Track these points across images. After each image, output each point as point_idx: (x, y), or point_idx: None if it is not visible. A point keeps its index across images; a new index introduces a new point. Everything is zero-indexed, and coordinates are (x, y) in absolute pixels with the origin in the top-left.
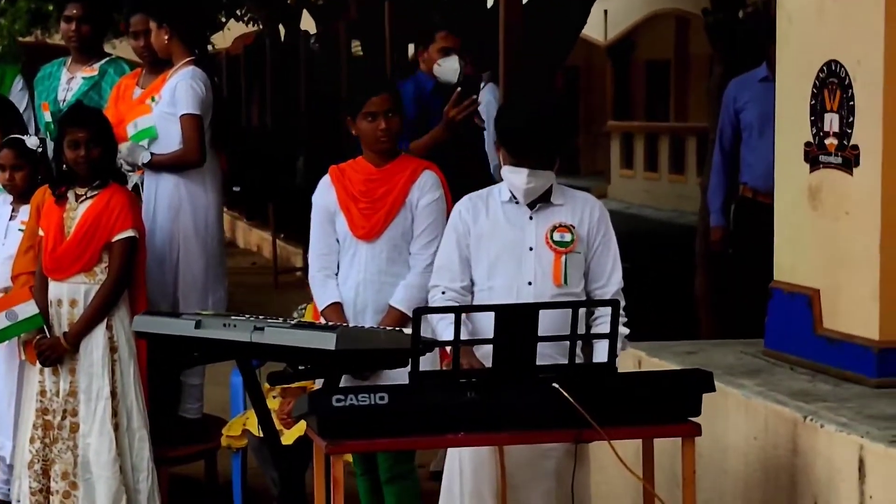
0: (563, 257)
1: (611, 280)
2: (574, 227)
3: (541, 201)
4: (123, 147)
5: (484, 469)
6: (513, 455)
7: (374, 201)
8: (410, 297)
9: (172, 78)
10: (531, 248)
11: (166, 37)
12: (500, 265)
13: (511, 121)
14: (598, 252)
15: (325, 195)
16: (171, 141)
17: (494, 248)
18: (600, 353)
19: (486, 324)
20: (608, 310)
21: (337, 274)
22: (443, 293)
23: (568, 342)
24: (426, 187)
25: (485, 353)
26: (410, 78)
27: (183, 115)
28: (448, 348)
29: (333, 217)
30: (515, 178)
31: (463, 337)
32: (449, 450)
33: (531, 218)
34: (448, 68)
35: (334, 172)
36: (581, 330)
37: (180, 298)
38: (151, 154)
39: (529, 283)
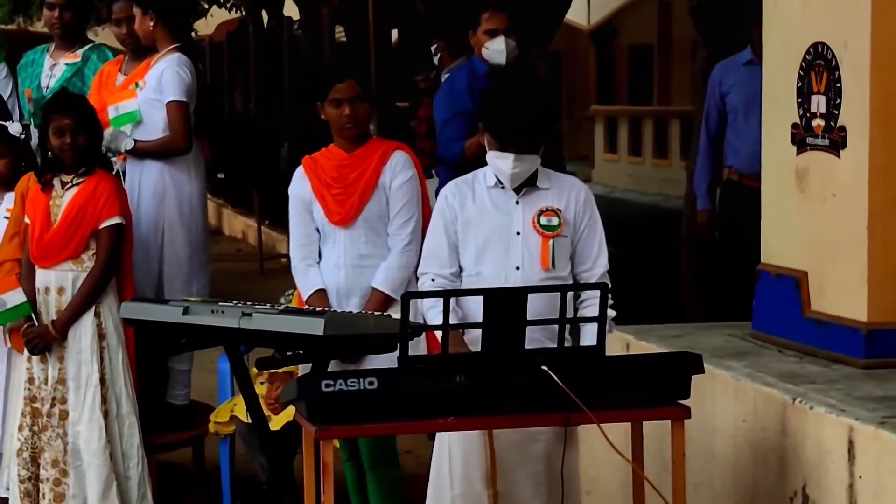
0: (551, 241)
1: (597, 263)
2: (560, 211)
3: (527, 185)
4: (106, 133)
5: (473, 452)
6: (501, 438)
7: (347, 186)
8: (392, 278)
9: (158, 64)
10: (518, 233)
11: (151, 23)
12: (488, 250)
13: (496, 106)
14: (585, 235)
15: (299, 185)
16: (155, 128)
17: (482, 234)
18: (588, 336)
19: (475, 309)
20: (595, 293)
21: (319, 262)
22: (432, 280)
23: (556, 326)
24: (398, 168)
25: (473, 339)
26: (465, 64)
27: (170, 101)
28: (436, 334)
29: (310, 206)
30: (501, 164)
31: (454, 322)
32: (438, 433)
33: (518, 203)
34: (495, 50)
35: (307, 162)
36: (569, 314)
37: (164, 285)
38: (135, 141)
39: (517, 268)
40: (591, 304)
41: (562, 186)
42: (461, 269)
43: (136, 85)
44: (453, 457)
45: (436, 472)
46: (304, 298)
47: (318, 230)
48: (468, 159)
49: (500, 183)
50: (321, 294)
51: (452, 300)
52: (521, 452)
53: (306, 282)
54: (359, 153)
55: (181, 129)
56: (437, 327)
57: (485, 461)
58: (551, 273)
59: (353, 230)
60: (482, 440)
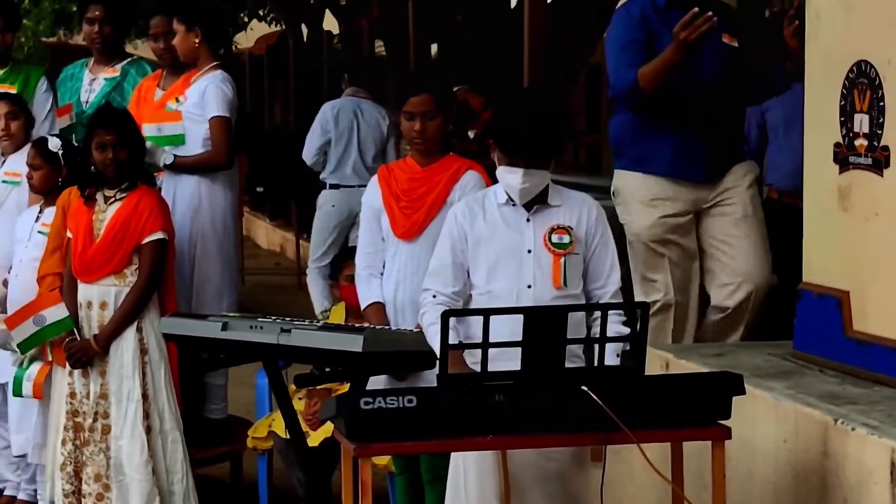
0: (563, 259)
1: (609, 280)
2: (572, 229)
3: (538, 202)
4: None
5: (487, 471)
6: (516, 458)
7: (414, 200)
8: None
9: (200, 81)
10: (529, 251)
11: (196, 40)
12: (500, 268)
13: (504, 120)
14: (597, 252)
15: (372, 194)
16: (195, 143)
17: (493, 252)
18: (611, 354)
19: (477, 329)
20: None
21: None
22: (433, 297)
23: (580, 346)
24: (468, 187)
25: (478, 360)
26: None
27: (214, 117)
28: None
29: (379, 216)
30: (511, 178)
31: (453, 341)
32: (453, 453)
33: (528, 220)
34: None
35: (382, 171)
36: (581, 331)
37: (193, 300)
38: (175, 156)
39: (529, 287)
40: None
41: (573, 203)
42: (471, 287)
43: (177, 100)
44: (468, 475)
45: (452, 490)
46: (362, 308)
47: (383, 239)
48: (642, 90)
49: (511, 200)
50: (378, 307)
51: (454, 320)
52: (535, 472)
53: (366, 292)
54: (433, 168)
55: (224, 145)
56: (476, 345)
57: (499, 480)
58: (563, 291)
59: (415, 245)
60: (496, 459)
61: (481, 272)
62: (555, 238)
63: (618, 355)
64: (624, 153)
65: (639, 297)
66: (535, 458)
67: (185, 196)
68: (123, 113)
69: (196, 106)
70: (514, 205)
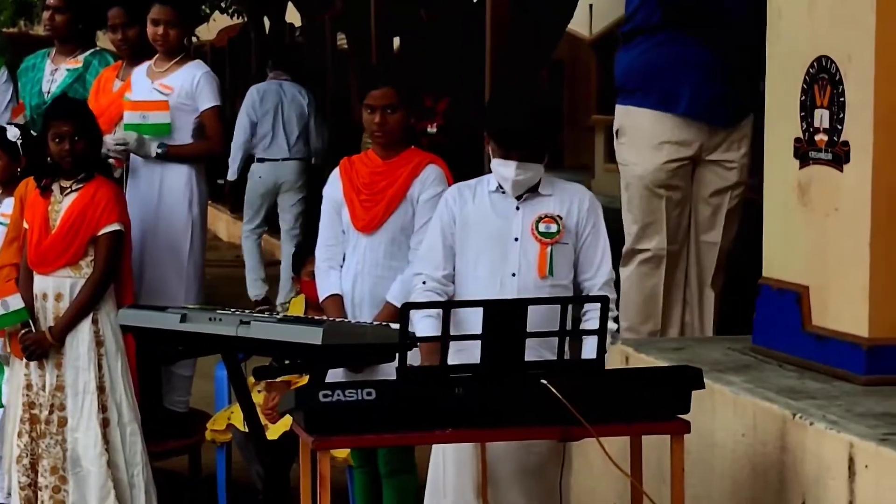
0: (549, 248)
1: (599, 272)
2: (561, 218)
3: (528, 192)
4: (131, 138)
5: (466, 464)
6: (495, 451)
7: (375, 193)
8: (404, 293)
9: (184, 70)
10: (516, 239)
11: (177, 31)
12: (485, 255)
13: (500, 114)
14: (587, 243)
15: (333, 186)
16: (184, 133)
17: (480, 238)
18: (589, 348)
19: (470, 315)
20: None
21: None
22: (423, 283)
23: (556, 338)
24: (428, 182)
25: (459, 349)
26: None
27: (210, 107)
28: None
29: (340, 209)
30: (504, 171)
31: (436, 332)
32: (433, 445)
33: (518, 208)
34: None
35: (344, 164)
36: (570, 324)
37: (192, 290)
38: (167, 145)
39: (513, 274)
40: (593, 315)
41: (564, 193)
42: (457, 272)
43: (161, 93)
44: (447, 468)
45: (431, 482)
46: (321, 301)
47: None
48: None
49: (502, 188)
50: (336, 299)
51: (436, 310)
52: (513, 465)
53: (325, 284)
54: (394, 162)
55: (220, 135)
56: (436, 338)
57: (477, 473)
58: (549, 281)
59: (374, 238)
60: (475, 452)
61: (467, 258)
62: (542, 227)
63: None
64: (635, 89)
65: (630, 245)
66: (514, 450)
67: (179, 187)
68: (81, 104)
69: (188, 96)
70: (504, 193)
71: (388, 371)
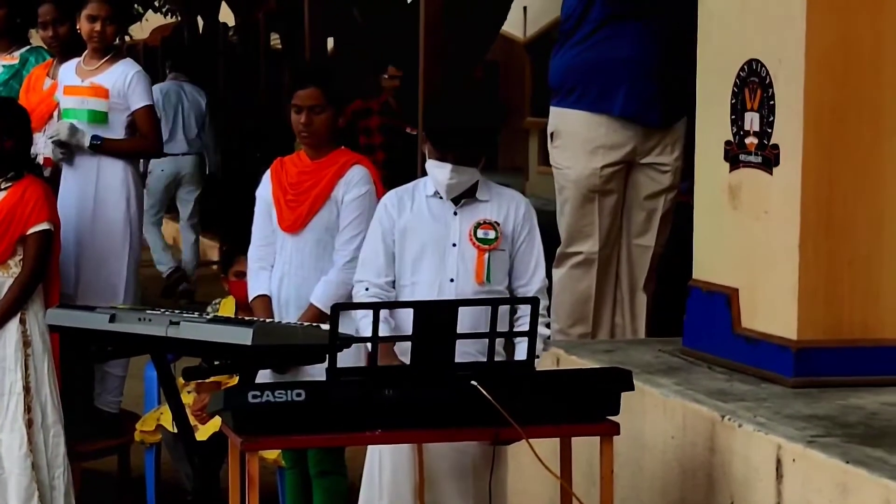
0: (487, 255)
1: (533, 279)
2: (499, 225)
3: (466, 197)
4: (63, 127)
5: (403, 464)
6: (431, 451)
7: (300, 194)
8: (327, 294)
9: (116, 69)
10: (454, 245)
11: (113, 28)
12: (424, 261)
13: (436, 115)
14: (522, 250)
15: (264, 187)
16: (115, 130)
17: (418, 243)
18: (521, 352)
19: (408, 320)
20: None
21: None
22: (366, 289)
23: (489, 340)
24: (352, 182)
25: (405, 351)
26: None
27: (143, 106)
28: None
29: (270, 209)
30: (439, 173)
31: (385, 333)
32: (369, 446)
33: (455, 213)
34: None
35: (275, 164)
36: (504, 328)
37: (131, 288)
38: (102, 138)
39: (451, 280)
40: (526, 320)
41: (501, 199)
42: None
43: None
44: (383, 468)
45: (367, 483)
46: (249, 301)
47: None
48: None
49: (439, 193)
50: (264, 299)
51: (385, 311)
52: (448, 465)
53: (255, 284)
54: (321, 162)
55: (156, 134)
56: (366, 339)
57: (414, 474)
58: (486, 287)
59: (300, 239)
60: (412, 453)
61: (405, 263)
62: (480, 233)
63: (537, 356)
64: (570, 90)
65: (563, 247)
66: (449, 451)
67: (116, 184)
68: (10, 102)
69: (119, 95)
70: (441, 198)
71: (314, 372)
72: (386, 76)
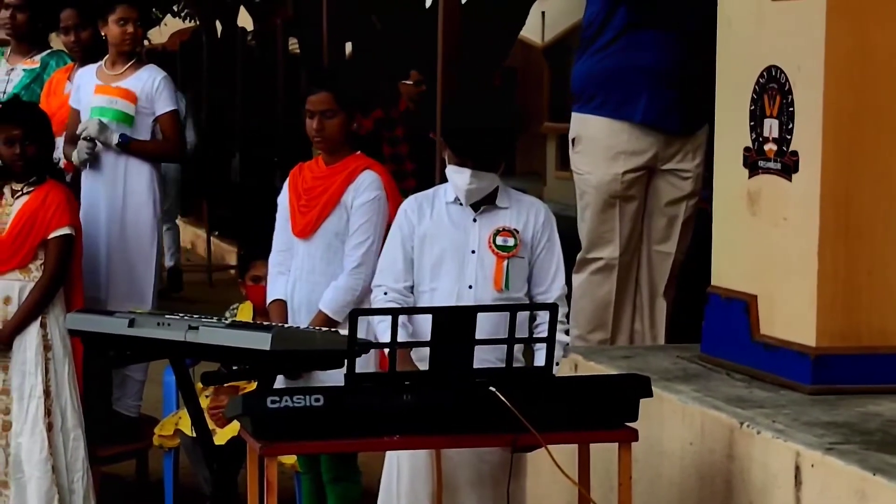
0: (506, 262)
1: (552, 286)
2: (518, 232)
3: (485, 203)
4: (92, 123)
5: (421, 471)
6: (449, 458)
7: (312, 199)
8: (334, 300)
9: (142, 73)
10: (473, 252)
11: (142, 31)
12: (443, 267)
13: (456, 120)
14: (541, 257)
15: (284, 193)
16: (140, 136)
17: (437, 250)
18: (541, 358)
19: (426, 326)
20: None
21: None
22: (385, 294)
23: (507, 346)
24: (362, 187)
25: (423, 357)
26: None
27: (169, 111)
28: (386, 351)
29: (289, 215)
30: (458, 178)
31: (403, 339)
32: (387, 452)
33: (475, 220)
34: None
35: (294, 170)
36: (521, 332)
37: (155, 286)
38: (130, 138)
39: (470, 287)
40: (545, 326)
41: (521, 206)
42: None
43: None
44: (401, 475)
45: (385, 489)
46: (267, 305)
47: None
48: None
49: (459, 199)
50: (280, 304)
51: (403, 317)
52: (467, 473)
53: (272, 289)
54: (335, 167)
55: (180, 139)
56: (384, 345)
57: (432, 481)
58: (504, 294)
59: (311, 244)
60: (430, 459)
61: (424, 270)
62: (499, 240)
63: (556, 363)
64: (592, 96)
65: (583, 253)
66: (469, 458)
67: (143, 188)
68: (32, 107)
69: (147, 100)
70: (461, 204)
71: (325, 378)
72: (409, 82)
